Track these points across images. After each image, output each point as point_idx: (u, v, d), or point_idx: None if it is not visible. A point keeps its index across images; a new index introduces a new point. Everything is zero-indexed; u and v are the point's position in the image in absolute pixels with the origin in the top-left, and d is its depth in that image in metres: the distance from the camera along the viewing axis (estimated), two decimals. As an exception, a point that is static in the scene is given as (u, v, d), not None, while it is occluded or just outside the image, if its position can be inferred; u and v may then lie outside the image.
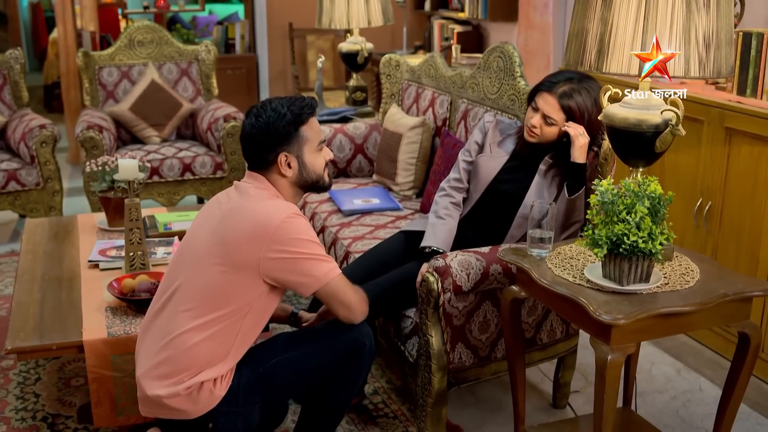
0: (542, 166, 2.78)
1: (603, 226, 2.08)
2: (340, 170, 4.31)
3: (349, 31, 4.96)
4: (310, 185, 2.42)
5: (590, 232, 2.11)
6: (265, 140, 2.32)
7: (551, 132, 2.73)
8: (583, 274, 2.22)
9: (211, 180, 5.04)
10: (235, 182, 2.41)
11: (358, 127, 4.36)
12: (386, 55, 4.47)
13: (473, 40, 6.04)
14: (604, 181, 2.10)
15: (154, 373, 2.27)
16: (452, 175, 3.02)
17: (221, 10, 10.34)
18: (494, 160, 2.90)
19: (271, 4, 6.79)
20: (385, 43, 6.87)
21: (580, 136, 2.64)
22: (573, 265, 2.29)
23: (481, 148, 2.98)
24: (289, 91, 6.94)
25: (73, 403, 3.06)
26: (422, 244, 2.81)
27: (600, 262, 2.17)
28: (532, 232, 2.36)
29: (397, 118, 4.06)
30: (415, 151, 3.89)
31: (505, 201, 2.82)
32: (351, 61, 4.89)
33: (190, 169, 4.96)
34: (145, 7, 7.57)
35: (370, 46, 4.87)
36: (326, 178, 2.45)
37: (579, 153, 2.65)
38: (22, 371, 3.31)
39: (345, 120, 4.64)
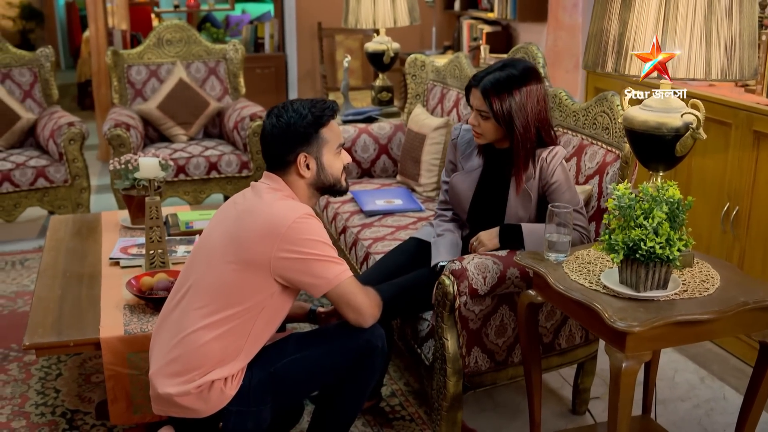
0: (513, 176, 2.71)
1: (620, 231, 2.04)
2: (364, 170, 4.29)
3: (376, 31, 4.95)
4: (327, 188, 2.42)
5: (607, 236, 2.07)
6: (285, 140, 2.33)
7: (490, 127, 2.68)
8: (599, 279, 2.18)
9: (236, 179, 5.05)
10: (252, 183, 2.41)
11: (382, 127, 4.35)
12: (411, 56, 4.44)
13: (502, 40, 5.99)
14: (620, 185, 2.06)
15: (165, 371, 2.27)
16: (440, 197, 3.02)
17: (254, 9, 10.39)
18: (468, 177, 2.84)
19: (300, 4, 6.80)
20: (413, 43, 6.84)
21: (485, 245, 2.69)
22: (590, 270, 2.26)
23: (454, 165, 2.94)
24: (317, 90, 6.95)
25: (92, 400, 3.08)
26: (432, 263, 2.79)
27: (617, 268, 2.13)
28: (549, 236, 2.33)
29: (421, 118, 4.04)
30: (438, 152, 3.86)
31: (492, 217, 2.77)
32: (377, 61, 4.87)
33: (215, 167, 4.98)
34: (176, 6, 7.62)
35: (396, 46, 4.84)
36: (343, 182, 2.45)
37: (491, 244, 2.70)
38: (44, 366, 3.34)
39: (370, 120, 4.62)
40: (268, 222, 2.21)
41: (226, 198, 5.26)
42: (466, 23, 6.53)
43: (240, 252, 2.22)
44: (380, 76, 4.97)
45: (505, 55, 3.42)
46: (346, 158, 2.45)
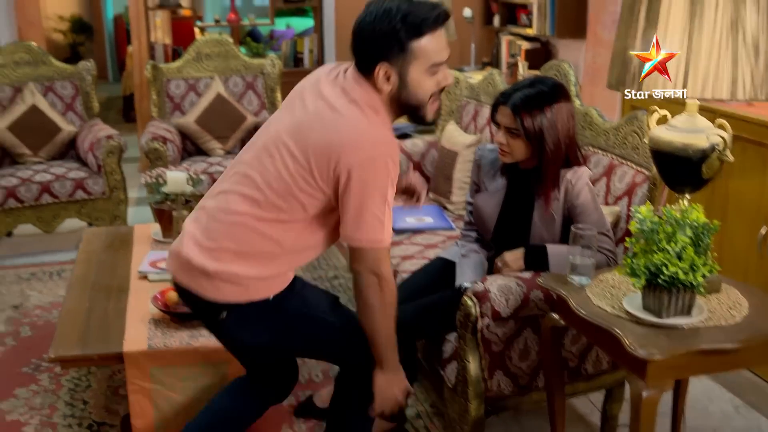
0: (537, 197, 2.67)
1: (642, 254, 1.99)
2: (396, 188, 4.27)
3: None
4: (408, 109, 2.14)
5: (629, 260, 2.02)
6: (365, 44, 2.06)
7: (519, 145, 2.63)
8: (622, 304, 2.13)
9: (271, 193, 5.06)
10: (339, 73, 2.17)
11: (416, 144, 4.33)
12: (446, 72, 4.42)
13: (541, 56, 5.94)
14: (642, 208, 2.01)
15: (197, 238, 2.19)
16: (465, 218, 2.98)
17: (299, 24, 10.47)
18: (492, 198, 2.80)
19: (339, 19, 6.82)
20: (452, 59, 6.80)
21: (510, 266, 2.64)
22: (614, 295, 2.20)
23: (477, 186, 2.90)
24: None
25: (119, 412, 3.10)
26: (456, 284, 2.76)
27: (640, 293, 2.08)
28: (572, 259, 2.28)
29: (454, 135, 4.01)
30: (470, 170, 3.83)
31: (517, 239, 2.73)
32: (412, 77, 4.86)
33: (251, 181, 4.99)
34: (216, 21, 7.70)
35: (432, 62, 4.82)
36: (429, 110, 2.12)
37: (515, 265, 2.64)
38: (74, 377, 3.38)
39: (404, 136, 4.61)
40: (339, 141, 2.02)
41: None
42: (504, 39, 6.49)
43: (303, 152, 2.06)
44: (416, 92, 4.95)
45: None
46: (444, 80, 2.10)
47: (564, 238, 2.61)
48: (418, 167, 4.25)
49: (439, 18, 2.04)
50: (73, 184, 4.80)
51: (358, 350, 2.26)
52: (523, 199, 2.72)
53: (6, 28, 6.09)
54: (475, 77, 4.40)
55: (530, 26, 6.08)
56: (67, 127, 5.14)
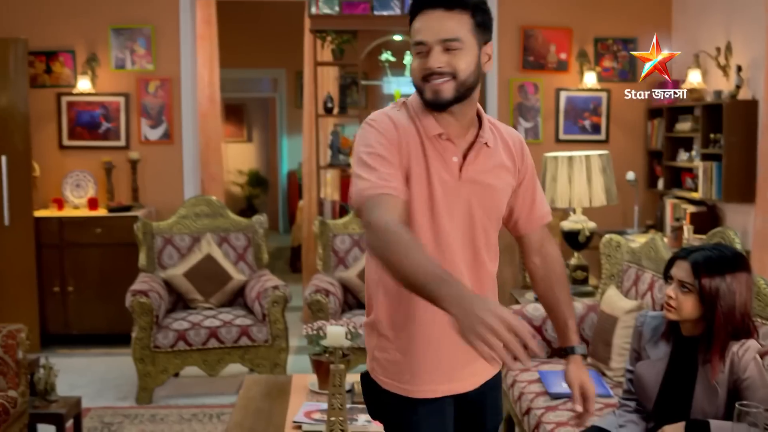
0: (701, 366, 2.55)
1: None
2: (554, 351, 4.20)
3: (573, 210, 4.97)
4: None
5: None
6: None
7: (689, 303, 2.53)
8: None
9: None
10: None
11: (575, 307, 4.26)
12: (606, 236, 4.39)
13: (707, 221, 5.78)
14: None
15: None
16: (624, 386, 2.88)
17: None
18: (654, 367, 2.70)
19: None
20: (615, 221, 6.76)
21: None
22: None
23: (638, 354, 2.80)
24: (515, 266, 6.95)
25: None
26: None
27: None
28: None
29: (614, 300, 3.94)
30: (630, 336, 3.72)
31: (678, 411, 2.59)
32: (572, 240, 4.86)
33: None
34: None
35: (592, 225, 4.82)
36: (424, 90, 2.04)
37: None
38: None
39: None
40: None
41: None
42: (669, 202, 6.39)
43: None
44: (575, 254, 4.93)
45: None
46: (425, 63, 2.01)
47: (728, 414, 2.47)
48: (579, 331, 4.16)
49: (421, 0, 2.03)
50: (239, 331, 5.03)
51: None
52: (686, 369, 2.62)
53: (192, 182, 6.63)
54: (638, 240, 4.34)
55: (696, 190, 5.98)
56: (237, 276, 5.45)
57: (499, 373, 2.28)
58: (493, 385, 2.26)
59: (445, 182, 2.05)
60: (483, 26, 2.04)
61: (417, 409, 2.10)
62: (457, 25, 1.99)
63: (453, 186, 2.06)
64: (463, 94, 2.02)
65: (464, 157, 2.08)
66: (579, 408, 2.12)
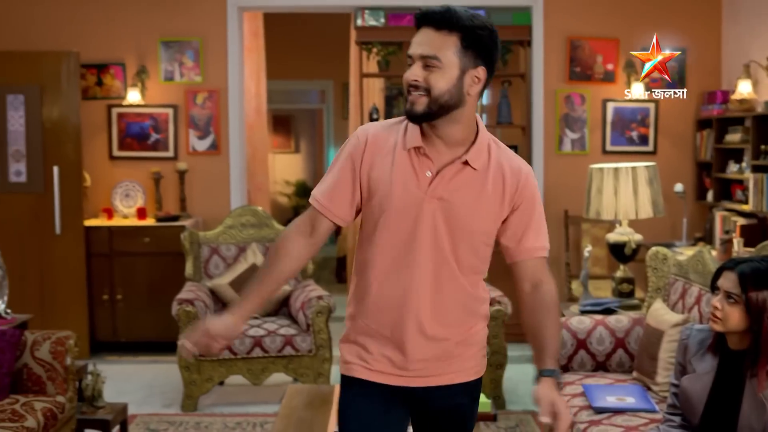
0: (748, 380, 2.50)
1: None
2: (599, 364, 4.15)
3: (619, 222, 4.91)
4: None
5: None
6: None
7: (735, 315, 2.49)
8: None
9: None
10: None
11: (620, 320, 4.21)
12: (653, 248, 4.33)
13: (757, 233, 5.67)
14: None
15: None
16: (669, 400, 2.83)
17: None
18: (700, 381, 2.66)
19: (548, 192, 6.92)
20: (664, 233, 6.67)
21: None
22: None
23: (683, 368, 2.75)
24: (561, 278, 6.90)
25: None
26: None
27: None
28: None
29: (660, 313, 3.89)
30: (676, 350, 3.67)
31: (725, 426, 2.54)
32: (618, 252, 4.80)
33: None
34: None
35: (638, 237, 4.76)
36: (406, 98, 2.12)
37: None
38: None
39: (608, 312, 4.51)
40: None
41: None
42: (718, 215, 6.28)
43: None
44: (621, 267, 4.88)
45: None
46: (411, 75, 2.08)
47: None
48: (621, 344, 4.12)
49: (422, 14, 2.09)
50: (283, 340, 5.06)
51: None
52: (733, 383, 2.58)
53: (238, 192, 6.71)
54: (686, 253, 4.28)
55: (746, 202, 5.87)
56: (283, 286, 5.48)
57: (473, 384, 2.30)
58: (462, 393, 2.29)
59: (409, 192, 2.12)
60: (473, 49, 2.07)
61: (352, 388, 2.30)
62: (441, 44, 2.04)
63: (417, 198, 2.12)
64: (436, 112, 2.07)
65: (438, 173, 2.13)
66: (545, 419, 2.08)
